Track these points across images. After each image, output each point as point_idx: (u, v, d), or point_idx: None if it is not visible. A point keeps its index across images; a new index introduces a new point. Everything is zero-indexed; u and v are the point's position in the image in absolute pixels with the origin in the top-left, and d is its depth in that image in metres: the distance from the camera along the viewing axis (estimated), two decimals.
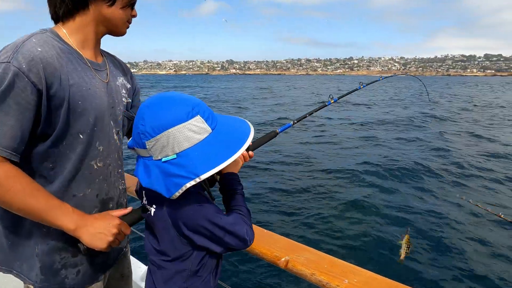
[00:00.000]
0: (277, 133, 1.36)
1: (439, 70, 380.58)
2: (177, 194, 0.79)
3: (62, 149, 0.98)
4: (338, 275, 1.01)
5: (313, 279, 1.03)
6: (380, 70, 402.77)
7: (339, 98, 1.77)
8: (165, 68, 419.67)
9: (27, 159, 0.94)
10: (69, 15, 1.00)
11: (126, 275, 1.37)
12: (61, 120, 0.94)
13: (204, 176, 0.78)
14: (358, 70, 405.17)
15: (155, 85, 59.83)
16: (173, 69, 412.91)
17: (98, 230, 0.95)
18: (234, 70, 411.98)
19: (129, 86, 1.22)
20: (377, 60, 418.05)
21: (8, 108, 0.85)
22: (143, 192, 0.97)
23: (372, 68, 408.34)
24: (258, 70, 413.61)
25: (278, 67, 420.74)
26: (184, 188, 0.78)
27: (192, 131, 0.81)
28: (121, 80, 1.18)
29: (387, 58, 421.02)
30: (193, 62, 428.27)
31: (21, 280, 1.04)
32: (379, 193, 6.59)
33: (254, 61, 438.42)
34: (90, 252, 0.99)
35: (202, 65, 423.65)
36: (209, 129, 0.84)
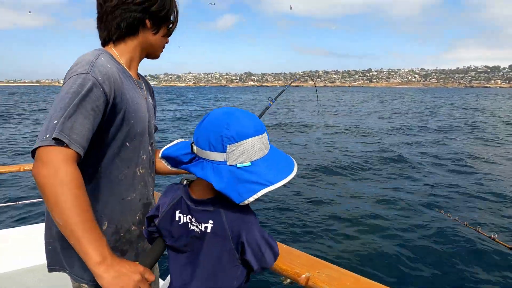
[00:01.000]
0: None
1: (461, 81, 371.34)
2: (250, 199, 0.82)
3: (110, 155, 1.08)
4: None
5: None
6: (400, 81, 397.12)
7: (275, 98, 1.97)
8: (184, 80, 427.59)
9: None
10: (121, 39, 1.17)
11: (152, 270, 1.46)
12: (115, 129, 1.06)
13: (278, 184, 0.85)
14: (377, 82, 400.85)
15: (171, 98, 60.69)
16: (192, 81, 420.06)
17: (123, 272, 0.88)
18: (252, 82, 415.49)
19: (153, 104, 1.40)
20: (397, 72, 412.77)
21: (86, 113, 0.94)
22: (178, 210, 0.96)
23: (391, 80, 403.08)
24: (276, 82, 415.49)
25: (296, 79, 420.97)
26: (259, 194, 0.82)
27: (263, 144, 0.88)
28: (150, 98, 1.35)
29: (407, 70, 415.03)
30: (212, 75, 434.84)
31: (73, 279, 1.11)
32: (404, 207, 6.29)
33: (272, 73, 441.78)
34: None
35: (220, 77, 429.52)
36: (269, 147, 0.92)
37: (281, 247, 1.21)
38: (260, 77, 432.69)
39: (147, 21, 1.17)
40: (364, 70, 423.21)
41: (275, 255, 0.93)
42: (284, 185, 0.83)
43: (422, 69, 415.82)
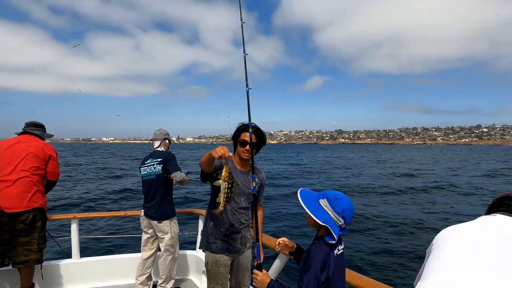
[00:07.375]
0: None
1: None
2: None
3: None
4: None
5: None
6: None
7: None
8: (276, 138, 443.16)
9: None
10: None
11: (246, 267, 2.57)
12: None
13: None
14: (488, 139, 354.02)
15: (263, 154, 63.21)
16: (284, 139, 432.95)
17: (218, 148, 1.96)
18: (343, 140, 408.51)
19: (259, 182, 2.57)
20: None
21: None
22: (334, 251, 1.49)
23: (507, 137, 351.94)
24: (369, 139, 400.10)
25: (390, 136, 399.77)
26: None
27: None
28: (251, 183, 2.49)
29: None
30: (303, 132, 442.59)
31: (200, 248, 2.61)
32: None
33: (364, 130, 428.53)
34: (221, 237, 2.43)
35: (311, 135, 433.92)
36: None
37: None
38: (351, 134, 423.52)
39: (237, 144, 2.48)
40: (472, 126, 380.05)
41: None
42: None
43: None
